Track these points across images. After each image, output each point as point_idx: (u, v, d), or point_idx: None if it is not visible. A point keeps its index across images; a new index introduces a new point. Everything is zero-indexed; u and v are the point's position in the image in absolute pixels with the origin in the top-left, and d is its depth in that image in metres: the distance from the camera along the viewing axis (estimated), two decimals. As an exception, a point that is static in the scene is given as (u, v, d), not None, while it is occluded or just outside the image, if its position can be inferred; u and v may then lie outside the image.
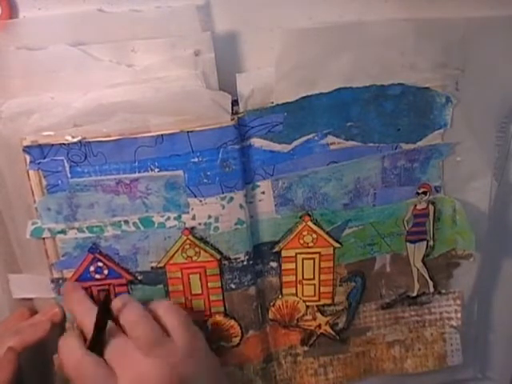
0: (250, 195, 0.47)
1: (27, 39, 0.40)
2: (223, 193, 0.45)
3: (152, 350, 0.40)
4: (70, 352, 0.40)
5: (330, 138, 0.46)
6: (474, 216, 0.50)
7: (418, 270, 0.52)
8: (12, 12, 0.40)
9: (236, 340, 0.50)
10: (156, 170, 0.44)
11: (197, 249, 0.46)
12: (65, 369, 0.40)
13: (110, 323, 0.41)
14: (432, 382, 0.57)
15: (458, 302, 0.54)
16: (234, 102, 0.43)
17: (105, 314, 0.41)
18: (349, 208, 0.49)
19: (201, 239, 0.46)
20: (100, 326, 0.41)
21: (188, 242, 0.46)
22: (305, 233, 0.49)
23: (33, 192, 0.43)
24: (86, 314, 0.42)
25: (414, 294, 0.53)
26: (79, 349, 0.40)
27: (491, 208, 0.51)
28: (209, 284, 0.48)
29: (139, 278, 0.47)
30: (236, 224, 0.46)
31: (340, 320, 0.53)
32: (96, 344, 0.40)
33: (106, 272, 0.46)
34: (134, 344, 0.40)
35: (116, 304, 0.42)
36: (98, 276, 0.47)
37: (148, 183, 0.44)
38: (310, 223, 0.48)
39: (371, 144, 0.47)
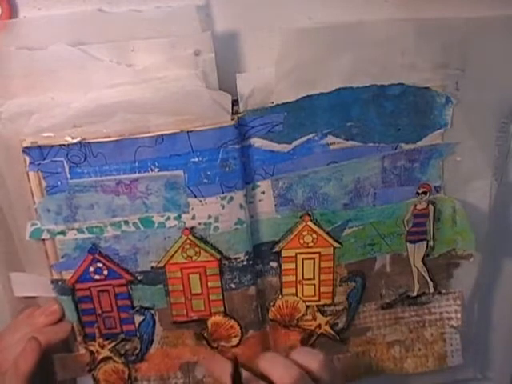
0: (250, 195, 0.47)
1: (27, 39, 0.40)
2: (223, 193, 0.45)
3: None
4: None
5: (330, 138, 0.46)
6: (474, 216, 0.50)
7: (418, 270, 0.52)
8: (12, 12, 0.40)
9: (236, 340, 0.50)
10: (156, 170, 0.44)
11: (197, 249, 0.47)
12: None
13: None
14: (432, 382, 0.57)
15: (458, 302, 0.54)
16: (234, 102, 0.44)
17: (237, 377, 0.40)
18: (349, 208, 0.49)
19: (201, 239, 0.46)
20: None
21: (188, 241, 0.46)
22: (305, 233, 0.49)
23: (32, 193, 0.43)
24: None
25: (414, 294, 0.53)
26: None
27: (491, 208, 0.51)
28: (209, 284, 0.48)
29: (139, 278, 0.47)
30: (236, 224, 0.46)
31: (340, 320, 0.53)
32: None
33: (105, 273, 0.46)
34: None
35: (269, 359, 0.42)
36: (97, 277, 0.47)
37: (148, 183, 0.44)
38: (310, 223, 0.48)
39: (371, 144, 0.47)
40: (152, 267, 0.47)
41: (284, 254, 0.49)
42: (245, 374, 0.42)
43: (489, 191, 0.50)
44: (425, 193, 0.49)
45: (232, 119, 0.43)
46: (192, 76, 0.42)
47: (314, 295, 0.51)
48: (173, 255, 0.47)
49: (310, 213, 0.48)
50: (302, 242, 0.49)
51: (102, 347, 0.49)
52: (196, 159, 0.44)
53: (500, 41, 0.45)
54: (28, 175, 0.43)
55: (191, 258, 0.47)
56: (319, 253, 0.50)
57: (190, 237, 0.46)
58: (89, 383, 0.50)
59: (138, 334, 0.49)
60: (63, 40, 0.40)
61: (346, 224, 0.49)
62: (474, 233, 0.50)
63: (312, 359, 0.42)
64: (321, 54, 0.43)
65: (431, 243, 0.51)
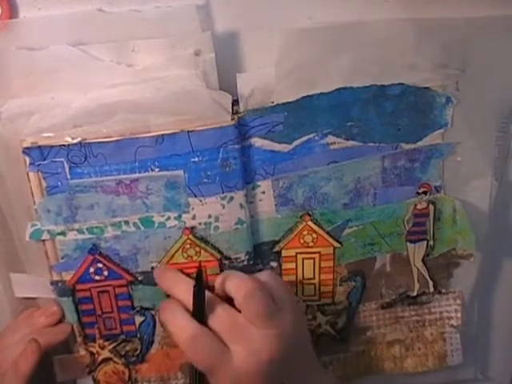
0: (250, 195, 0.47)
1: (27, 39, 0.40)
2: (223, 192, 0.45)
3: (265, 322, 0.40)
4: (178, 322, 0.40)
5: (331, 138, 0.46)
6: (474, 216, 0.50)
7: (418, 269, 0.52)
8: (12, 12, 0.40)
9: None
10: (156, 169, 0.44)
11: (197, 248, 0.46)
12: (174, 337, 0.40)
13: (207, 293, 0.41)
14: (432, 382, 0.57)
15: (458, 301, 0.54)
16: (235, 102, 0.43)
17: (201, 283, 0.41)
18: (349, 208, 0.49)
19: (201, 239, 0.46)
20: (199, 295, 0.40)
21: (188, 241, 0.46)
22: (305, 232, 0.49)
23: (32, 193, 0.43)
24: (180, 286, 0.43)
25: (414, 294, 0.53)
26: (190, 322, 0.40)
27: (491, 208, 0.51)
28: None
29: (139, 278, 0.47)
30: (236, 224, 0.46)
31: (340, 319, 0.53)
32: (197, 313, 0.40)
33: (105, 273, 0.46)
34: (246, 317, 0.40)
35: (221, 276, 0.42)
36: (97, 277, 0.47)
37: (148, 183, 0.44)
38: (310, 223, 0.48)
39: (371, 144, 0.47)
40: (152, 267, 0.47)
41: (284, 253, 0.49)
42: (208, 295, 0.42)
43: (489, 191, 0.50)
44: (425, 192, 0.49)
45: (232, 119, 0.43)
46: (192, 76, 0.42)
47: (314, 295, 0.51)
48: (173, 255, 0.47)
49: (310, 212, 0.48)
50: (302, 241, 0.49)
51: (103, 348, 0.49)
52: (196, 159, 0.44)
53: (500, 41, 0.45)
54: (28, 175, 0.43)
55: (191, 257, 0.47)
56: (319, 252, 0.50)
57: (191, 237, 0.46)
58: (89, 384, 0.50)
59: (138, 335, 0.49)
60: (63, 40, 0.40)
61: (346, 224, 0.49)
62: (474, 233, 0.50)
63: (263, 274, 0.43)
64: (321, 53, 0.43)
65: (431, 243, 0.51)
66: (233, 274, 0.43)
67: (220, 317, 0.41)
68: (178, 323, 0.41)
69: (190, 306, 0.41)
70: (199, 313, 0.40)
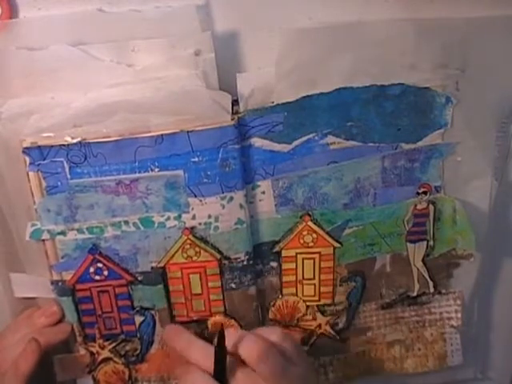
0: (250, 195, 0.46)
1: (27, 39, 0.40)
2: (223, 192, 0.45)
3: (278, 380, 0.40)
4: None
5: (331, 138, 0.46)
6: (474, 216, 0.50)
7: (418, 269, 0.52)
8: (12, 12, 0.40)
9: (236, 340, 0.50)
10: (156, 169, 0.44)
11: (197, 248, 0.46)
12: None
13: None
14: (432, 382, 0.57)
15: (458, 301, 0.54)
16: (235, 102, 0.44)
17: (223, 344, 0.40)
18: (349, 208, 0.49)
19: (201, 239, 0.46)
20: (220, 358, 0.40)
21: (188, 241, 0.46)
22: (305, 233, 0.49)
23: (32, 193, 0.43)
24: (196, 348, 0.42)
25: (414, 294, 0.53)
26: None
27: (491, 208, 0.51)
28: (209, 284, 0.48)
29: (139, 278, 0.47)
30: (236, 224, 0.46)
31: (340, 320, 0.53)
32: (219, 375, 0.40)
33: (105, 273, 0.46)
34: (260, 376, 0.40)
35: (231, 337, 0.41)
36: (97, 277, 0.47)
37: (148, 183, 0.44)
38: (310, 223, 0.48)
39: (371, 144, 0.47)
40: (152, 267, 0.47)
41: (284, 253, 0.49)
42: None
43: (489, 191, 0.50)
44: (425, 193, 0.49)
45: (232, 119, 0.43)
46: (192, 76, 0.42)
47: (314, 295, 0.51)
48: (173, 255, 0.47)
49: (310, 213, 0.48)
50: (302, 241, 0.49)
51: (102, 348, 0.49)
52: (196, 159, 0.44)
53: (500, 41, 0.45)
54: (28, 175, 0.43)
55: (191, 258, 0.47)
56: (319, 253, 0.50)
57: (190, 237, 0.46)
58: (89, 384, 0.50)
59: (138, 335, 0.49)
60: (63, 40, 0.40)
61: (346, 224, 0.49)
62: (474, 233, 0.50)
63: (272, 332, 0.42)
64: (321, 53, 0.43)
65: (431, 243, 0.51)
66: (244, 336, 0.42)
67: (241, 379, 0.40)
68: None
69: (207, 368, 0.40)
70: (222, 375, 0.40)
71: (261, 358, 0.40)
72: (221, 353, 0.40)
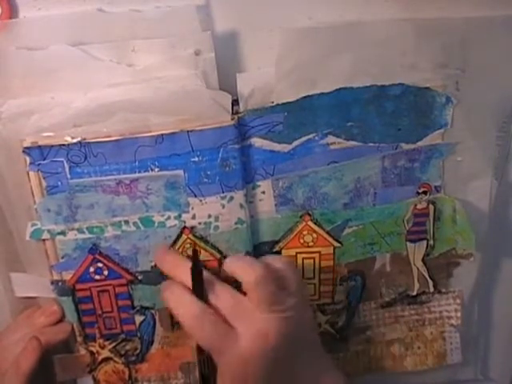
0: (250, 195, 0.47)
1: (27, 39, 0.40)
2: (223, 192, 0.45)
3: (272, 307, 0.39)
4: (181, 301, 0.39)
5: (331, 138, 0.46)
6: (474, 216, 0.50)
7: (418, 269, 0.52)
8: (12, 12, 0.40)
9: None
10: (156, 169, 0.44)
11: (197, 248, 0.46)
12: (178, 317, 0.39)
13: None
14: (432, 382, 0.57)
15: (458, 301, 0.54)
16: (235, 102, 0.44)
17: (197, 262, 0.40)
18: (349, 207, 0.49)
19: (201, 238, 0.46)
20: (197, 274, 0.40)
21: (188, 241, 0.46)
22: (305, 232, 0.49)
23: (33, 193, 0.43)
24: (181, 268, 0.41)
25: (414, 293, 0.53)
26: (193, 301, 0.39)
27: (491, 208, 0.51)
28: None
29: (139, 277, 0.47)
30: (236, 223, 0.46)
31: (340, 319, 0.53)
32: (197, 292, 0.40)
33: (105, 273, 0.46)
34: (251, 301, 0.39)
35: (230, 258, 0.41)
36: (97, 277, 0.47)
37: (148, 183, 0.44)
38: (310, 223, 0.48)
39: (371, 144, 0.47)
40: (152, 267, 0.47)
41: (284, 253, 0.49)
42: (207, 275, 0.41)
43: (489, 191, 0.50)
44: (425, 192, 0.49)
45: (232, 119, 0.43)
46: (192, 76, 0.42)
47: (314, 294, 0.51)
48: (173, 255, 0.47)
49: (310, 212, 0.48)
50: (302, 241, 0.49)
51: (103, 348, 0.49)
52: (196, 159, 0.44)
53: (500, 41, 0.45)
54: (28, 175, 0.43)
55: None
56: (319, 252, 0.50)
57: (191, 236, 0.46)
58: (89, 384, 0.50)
59: (138, 335, 0.49)
60: (63, 40, 0.40)
61: (346, 223, 0.49)
62: (474, 232, 0.50)
63: (276, 260, 0.42)
64: (321, 53, 0.43)
65: (431, 242, 0.51)
66: (243, 257, 0.42)
67: (223, 297, 0.40)
68: (181, 302, 0.40)
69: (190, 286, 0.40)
70: (199, 292, 0.40)
71: (257, 282, 0.39)
72: (195, 270, 0.39)
